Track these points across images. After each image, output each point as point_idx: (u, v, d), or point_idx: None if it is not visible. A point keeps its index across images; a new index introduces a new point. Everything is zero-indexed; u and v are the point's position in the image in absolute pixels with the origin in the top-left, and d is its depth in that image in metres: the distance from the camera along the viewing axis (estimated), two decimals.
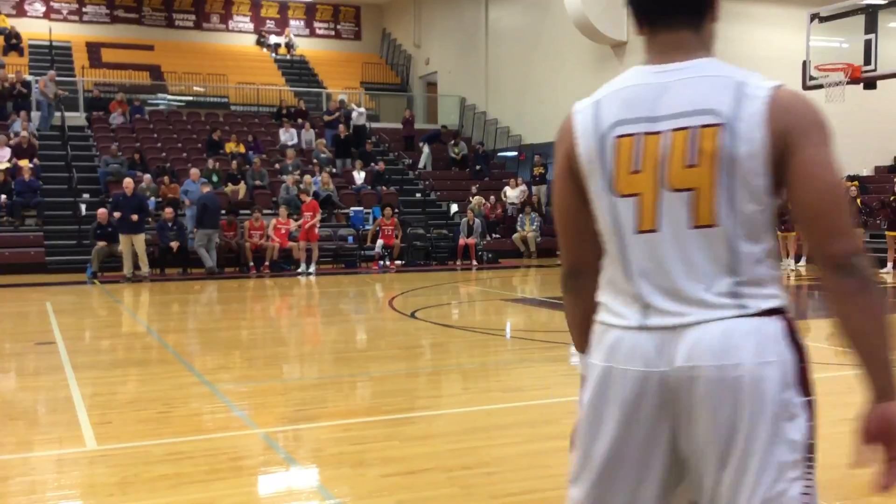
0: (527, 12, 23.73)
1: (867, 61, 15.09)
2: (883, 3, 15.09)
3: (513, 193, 21.16)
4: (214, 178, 18.83)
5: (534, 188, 22.10)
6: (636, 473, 1.72)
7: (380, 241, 17.91)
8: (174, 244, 16.11)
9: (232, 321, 10.90)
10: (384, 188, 20.88)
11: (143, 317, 11.44)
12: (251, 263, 16.72)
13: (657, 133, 1.68)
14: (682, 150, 1.66)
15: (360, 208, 19.43)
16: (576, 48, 20.89)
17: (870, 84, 15.21)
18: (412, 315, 10.49)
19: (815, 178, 1.62)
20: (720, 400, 1.62)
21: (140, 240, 15.45)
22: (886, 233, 15.76)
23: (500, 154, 24.90)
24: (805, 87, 15.05)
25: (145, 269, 15.42)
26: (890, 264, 15.58)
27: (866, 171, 20.14)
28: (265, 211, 17.86)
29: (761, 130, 1.62)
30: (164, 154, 20.64)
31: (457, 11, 27.04)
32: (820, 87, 15.00)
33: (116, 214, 15.28)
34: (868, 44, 15.23)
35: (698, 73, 1.69)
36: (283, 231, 17.24)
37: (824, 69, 15.14)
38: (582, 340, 1.88)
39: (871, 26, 15.32)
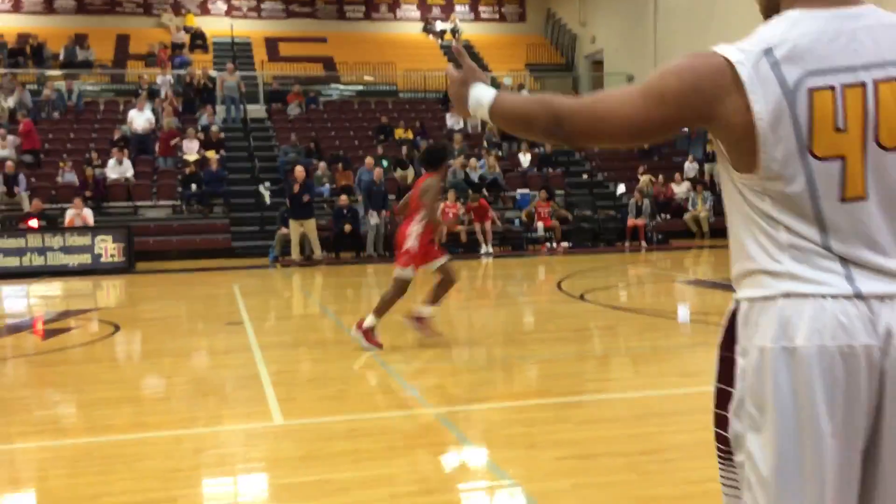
0: None
1: None
2: None
3: (680, 189, 20.31)
4: (384, 164, 19.35)
5: (706, 166, 21.29)
6: (849, 473, 1.50)
7: (539, 224, 17.85)
8: (347, 228, 16.69)
9: (402, 303, 11.16)
10: (550, 170, 20.76)
11: (321, 299, 11.94)
12: None
13: (858, 85, 1.49)
14: (895, 104, 1.49)
15: (527, 191, 19.40)
16: (754, 19, 19.78)
17: None
18: (581, 297, 10.37)
19: None
20: None
21: (311, 225, 16.12)
22: None
23: None
24: None
25: (318, 252, 16.07)
26: None
27: None
28: None
29: None
30: (337, 142, 21.41)
31: None
32: None
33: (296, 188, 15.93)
34: None
35: (884, 19, 1.53)
36: (451, 214, 17.48)
37: None
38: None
39: None
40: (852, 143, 1.49)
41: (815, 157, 1.49)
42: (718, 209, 19.88)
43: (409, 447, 4.47)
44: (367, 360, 6.81)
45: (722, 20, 21.55)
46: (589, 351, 7.34)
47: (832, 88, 1.49)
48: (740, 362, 1.59)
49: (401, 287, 7.20)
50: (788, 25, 1.56)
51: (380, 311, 7.21)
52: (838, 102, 1.49)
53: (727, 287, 11.11)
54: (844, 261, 1.51)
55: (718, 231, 19.42)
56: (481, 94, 1.81)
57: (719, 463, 1.71)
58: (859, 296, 1.49)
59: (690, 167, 20.87)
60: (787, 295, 1.52)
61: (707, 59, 1.59)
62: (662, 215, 19.53)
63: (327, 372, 6.47)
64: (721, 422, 1.67)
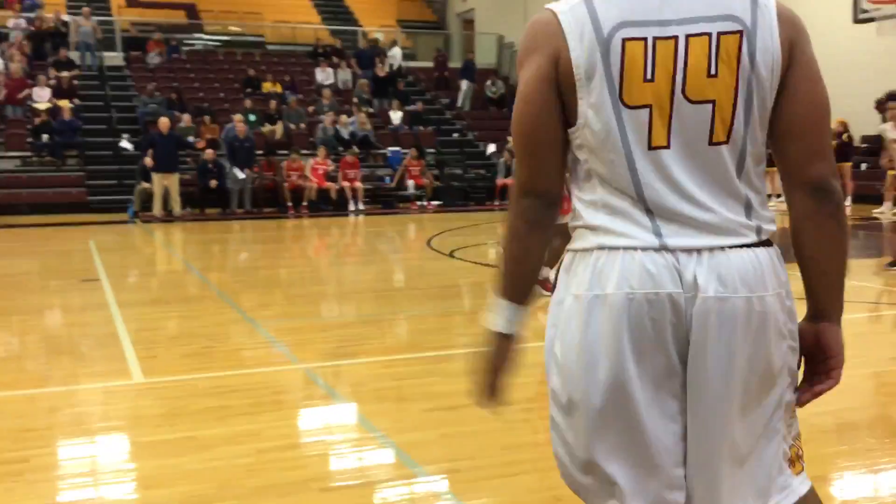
0: None
1: None
2: None
3: None
4: (252, 118, 18.83)
5: None
6: (659, 411, 1.58)
7: (410, 182, 17.89)
8: (213, 183, 16.20)
9: (272, 260, 10.99)
10: (421, 128, 20.77)
11: (185, 255, 11.58)
12: (289, 203, 16.80)
13: (670, 38, 1.52)
14: (703, 58, 1.52)
15: (398, 149, 19.35)
16: None
17: None
18: (451, 255, 10.48)
19: (809, 93, 1.58)
20: (743, 331, 1.54)
21: (174, 179, 15.55)
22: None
23: None
24: (856, 21, 14.55)
25: (178, 209, 15.54)
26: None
27: None
28: (302, 151, 17.87)
29: (776, 41, 1.54)
30: (201, 94, 20.66)
31: None
32: (871, 20, 14.49)
33: (147, 161, 15.41)
34: None
35: None
36: (321, 171, 17.25)
37: (876, 1, 14.59)
38: (530, 286, 1.69)
39: None
40: (659, 94, 1.53)
41: (626, 105, 1.53)
42: None
43: (276, 403, 4.42)
44: (234, 317, 6.67)
45: None
46: (458, 307, 7.43)
47: (644, 40, 1.52)
48: (554, 310, 1.65)
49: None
50: None
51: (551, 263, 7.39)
52: (649, 54, 1.52)
53: None
54: (653, 214, 1.56)
55: None
56: (499, 319, 1.70)
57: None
58: (665, 248, 1.55)
59: None
60: (602, 247, 1.59)
61: (540, 16, 1.62)
62: None
63: (192, 329, 6.30)
64: None
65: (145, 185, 15.70)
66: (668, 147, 1.54)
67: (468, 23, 28.66)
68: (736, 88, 1.53)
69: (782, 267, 1.62)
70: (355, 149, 18.40)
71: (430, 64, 24.85)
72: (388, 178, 18.51)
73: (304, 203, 16.88)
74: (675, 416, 1.59)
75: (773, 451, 1.63)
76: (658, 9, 1.53)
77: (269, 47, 25.05)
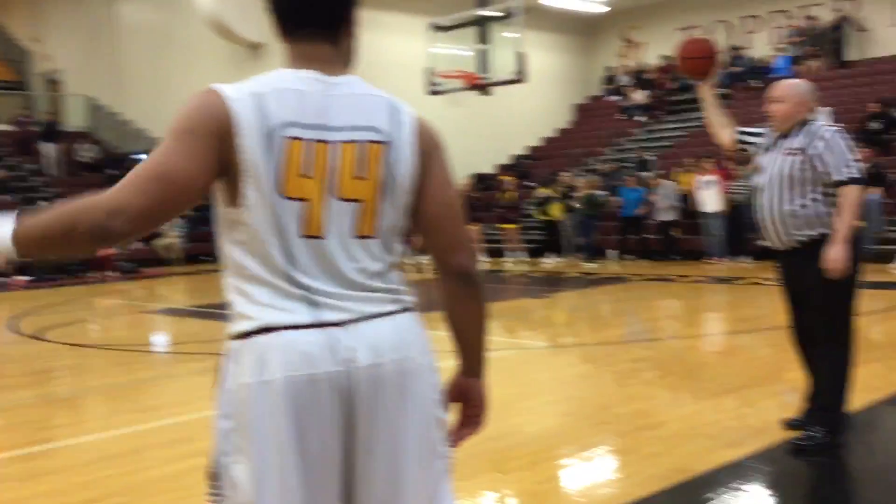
0: (157, 9, 22.79)
1: (482, 69, 16.59)
2: (494, 15, 16.64)
3: None
4: None
5: None
6: (323, 488, 1.70)
7: None
8: None
9: None
10: (9, 198, 18.88)
11: None
12: None
13: (327, 142, 1.72)
14: (352, 163, 1.73)
15: None
16: (212, 48, 20.49)
17: (486, 90, 16.73)
18: (41, 336, 9.63)
19: (441, 195, 1.86)
20: (397, 393, 1.73)
21: None
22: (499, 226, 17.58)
23: (137, 157, 23.65)
24: (428, 93, 16.11)
25: None
26: (509, 254, 17.44)
27: (487, 170, 22.15)
28: None
29: (412, 152, 1.81)
30: None
31: (79, 5, 25.18)
32: (441, 92, 16.17)
33: None
34: (482, 53, 16.74)
35: (357, 89, 1.79)
36: None
37: (445, 76, 16.35)
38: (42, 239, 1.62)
39: (484, 37, 16.85)
40: (315, 190, 1.70)
41: (283, 196, 1.68)
42: (191, 235, 20.06)
43: None
44: None
45: (181, 44, 21.89)
46: (48, 395, 6.84)
47: (303, 140, 1.69)
48: (229, 398, 1.71)
49: None
50: (279, 79, 1.75)
51: None
52: (306, 154, 1.69)
53: (200, 314, 11.23)
54: (309, 292, 1.70)
55: (191, 257, 19.59)
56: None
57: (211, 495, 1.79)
58: (321, 324, 1.68)
59: None
60: (261, 330, 1.67)
61: (210, 97, 1.70)
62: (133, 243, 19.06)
63: None
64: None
65: None
66: (323, 237, 1.71)
67: (55, 83, 26.80)
68: (378, 191, 1.76)
69: (422, 330, 1.84)
70: None
71: (12, 127, 22.80)
72: None
73: None
74: (337, 493, 1.72)
75: (446, 494, 1.83)
76: (323, 115, 1.72)
77: None
